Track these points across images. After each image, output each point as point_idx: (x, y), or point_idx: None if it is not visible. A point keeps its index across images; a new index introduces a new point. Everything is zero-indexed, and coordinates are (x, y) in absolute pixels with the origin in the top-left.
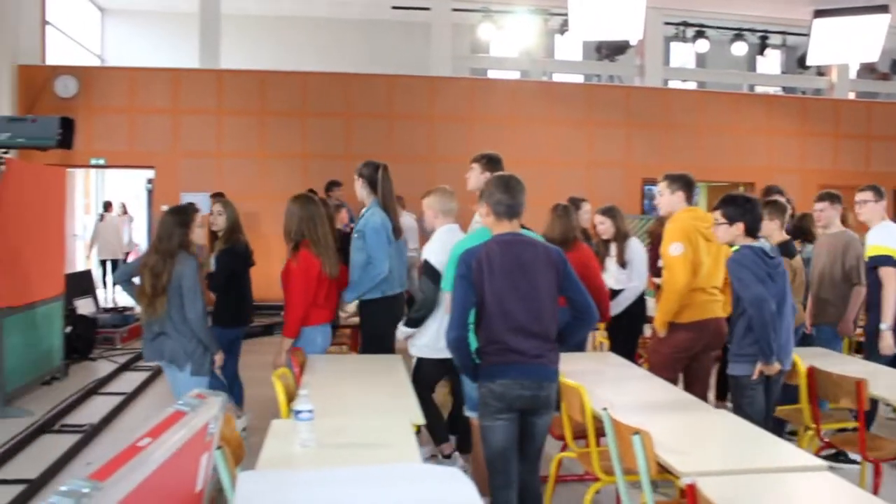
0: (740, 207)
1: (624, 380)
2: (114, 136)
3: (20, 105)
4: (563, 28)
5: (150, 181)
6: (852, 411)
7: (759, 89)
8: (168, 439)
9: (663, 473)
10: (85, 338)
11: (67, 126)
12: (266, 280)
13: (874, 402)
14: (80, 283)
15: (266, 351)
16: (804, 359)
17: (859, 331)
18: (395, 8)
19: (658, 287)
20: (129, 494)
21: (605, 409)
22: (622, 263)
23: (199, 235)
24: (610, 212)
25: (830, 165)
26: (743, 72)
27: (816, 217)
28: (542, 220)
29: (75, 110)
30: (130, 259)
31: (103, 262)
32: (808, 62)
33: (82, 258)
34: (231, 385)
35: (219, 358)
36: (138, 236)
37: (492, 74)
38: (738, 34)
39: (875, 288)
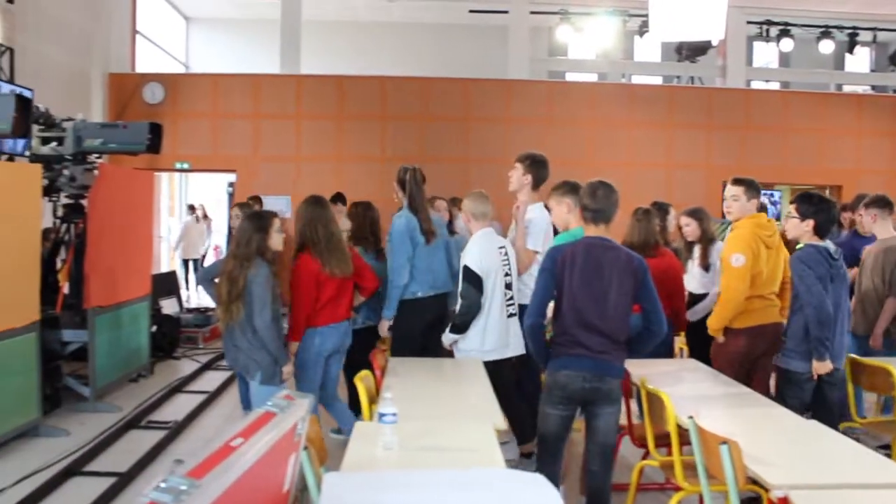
0: (814, 206)
1: (706, 387)
2: (197, 141)
3: (110, 111)
4: (642, 29)
5: (231, 184)
6: None
7: (847, 88)
8: (259, 440)
9: (750, 484)
10: (170, 337)
11: (156, 131)
12: None
13: None
14: (165, 284)
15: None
16: None
17: None
18: (472, 11)
19: None
20: (223, 493)
21: (690, 417)
22: (705, 267)
23: (277, 241)
24: (696, 213)
25: None
26: (830, 70)
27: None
28: (623, 223)
29: (161, 116)
30: (209, 260)
31: (185, 262)
32: None
33: (166, 259)
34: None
35: (287, 370)
36: (218, 238)
37: (570, 77)
38: (826, 31)
39: None
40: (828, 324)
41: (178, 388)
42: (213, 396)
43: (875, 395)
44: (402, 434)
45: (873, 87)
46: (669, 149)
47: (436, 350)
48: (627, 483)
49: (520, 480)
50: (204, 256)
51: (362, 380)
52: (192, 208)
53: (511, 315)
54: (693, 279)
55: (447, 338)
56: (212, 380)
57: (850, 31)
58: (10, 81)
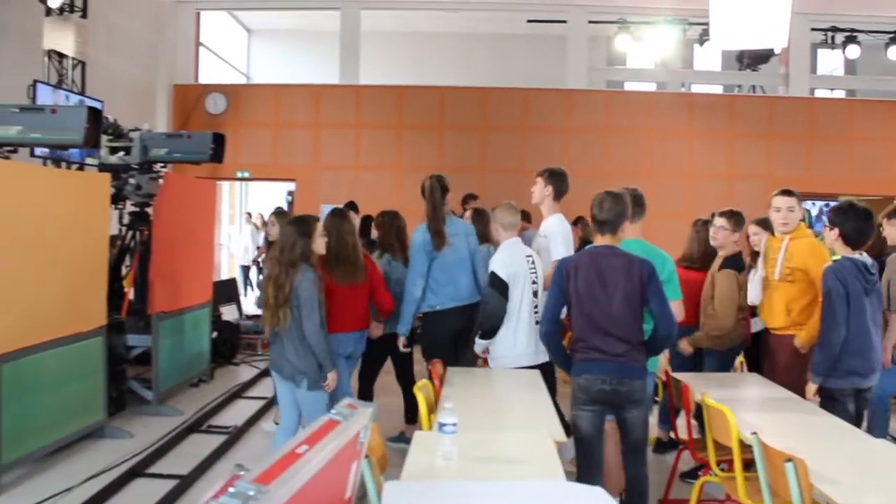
0: (842, 214)
1: (769, 402)
2: (258, 150)
3: (174, 121)
4: (702, 38)
5: (290, 193)
6: None
7: None
8: (324, 447)
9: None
10: (230, 343)
11: (219, 141)
12: None
13: None
14: (226, 291)
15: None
16: None
17: None
18: (530, 21)
19: None
20: (290, 499)
21: (754, 433)
22: None
23: (320, 246)
24: (765, 223)
25: None
26: None
27: None
28: (680, 233)
29: (223, 126)
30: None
31: (245, 269)
32: None
33: (226, 266)
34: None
35: (331, 377)
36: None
37: (628, 87)
38: (895, 38)
39: None
40: (829, 349)
41: (237, 393)
42: (271, 402)
43: None
44: (461, 444)
45: None
46: (730, 159)
47: (467, 359)
48: (687, 499)
49: (579, 493)
50: (256, 262)
51: (421, 389)
52: (249, 216)
53: (539, 322)
54: (755, 290)
55: (478, 345)
56: (269, 386)
57: None
58: (82, 93)
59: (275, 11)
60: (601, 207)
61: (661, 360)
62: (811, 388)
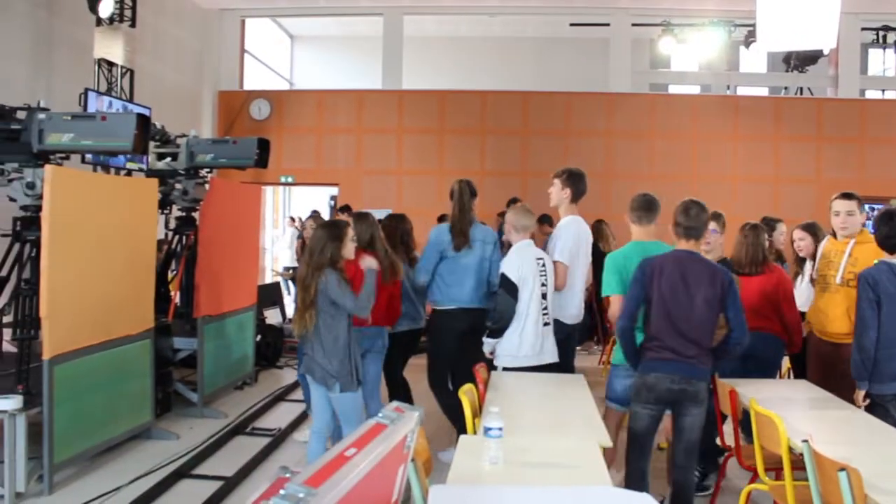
0: (880, 219)
1: (818, 409)
2: (302, 155)
3: (219, 127)
4: (748, 39)
5: (332, 197)
6: None
7: None
8: (372, 451)
9: None
10: (273, 346)
11: (264, 147)
12: None
13: None
14: (270, 295)
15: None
16: None
17: None
18: (572, 25)
19: None
20: (338, 502)
21: (805, 440)
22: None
23: (349, 250)
24: (811, 228)
25: None
26: None
27: None
28: (727, 237)
29: (267, 131)
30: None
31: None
32: None
33: (269, 270)
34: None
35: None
36: None
37: (672, 89)
38: None
39: None
40: (861, 352)
41: (280, 396)
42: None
43: None
44: (506, 448)
45: None
46: (776, 162)
47: (473, 359)
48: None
49: (626, 499)
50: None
51: (465, 393)
52: (292, 220)
53: (546, 324)
54: (802, 296)
55: (486, 344)
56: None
57: None
58: (130, 100)
59: (318, 18)
60: (688, 215)
61: None
62: (859, 394)
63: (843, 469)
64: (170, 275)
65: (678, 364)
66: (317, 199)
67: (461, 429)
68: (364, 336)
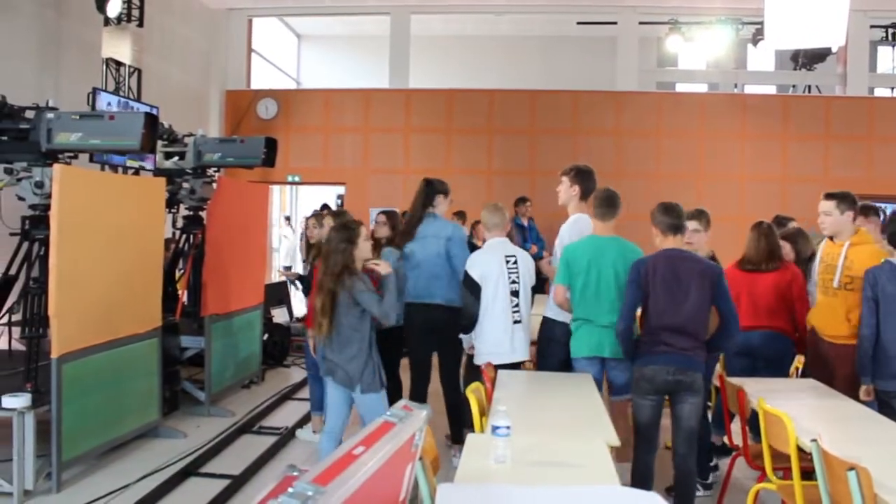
0: (891, 217)
1: (827, 408)
2: (309, 154)
3: (226, 126)
4: (756, 37)
5: (339, 196)
6: None
7: None
8: (380, 449)
9: None
10: (280, 345)
11: (271, 146)
12: None
13: None
14: (276, 294)
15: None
16: None
17: None
18: (579, 24)
19: None
20: (346, 500)
21: (814, 440)
22: None
23: (365, 249)
24: (791, 237)
25: None
26: None
27: None
28: (734, 236)
29: (274, 130)
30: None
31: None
32: None
33: (275, 269)
34: None
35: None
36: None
37: (680, 88)
38: None
39: None
40: (861, 348)
41: (287, 395)
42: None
43: None
44: (514, 447)
45: None
46: (784, 161)
47: (448, 357)
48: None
49: (634, 499)
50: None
51: (473, 392)
52: (288, 220)
53: (517, 322)
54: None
55: (464, 340)
56: None
57: None
58: (138, 100)
59: (325, 17)
60: (671, 212)
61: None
62: (863, 388)
63: (852, 468)
64: (177, 274)
65: (674, 356)
66: (324, 199)
67: (455, 434)
68: None
